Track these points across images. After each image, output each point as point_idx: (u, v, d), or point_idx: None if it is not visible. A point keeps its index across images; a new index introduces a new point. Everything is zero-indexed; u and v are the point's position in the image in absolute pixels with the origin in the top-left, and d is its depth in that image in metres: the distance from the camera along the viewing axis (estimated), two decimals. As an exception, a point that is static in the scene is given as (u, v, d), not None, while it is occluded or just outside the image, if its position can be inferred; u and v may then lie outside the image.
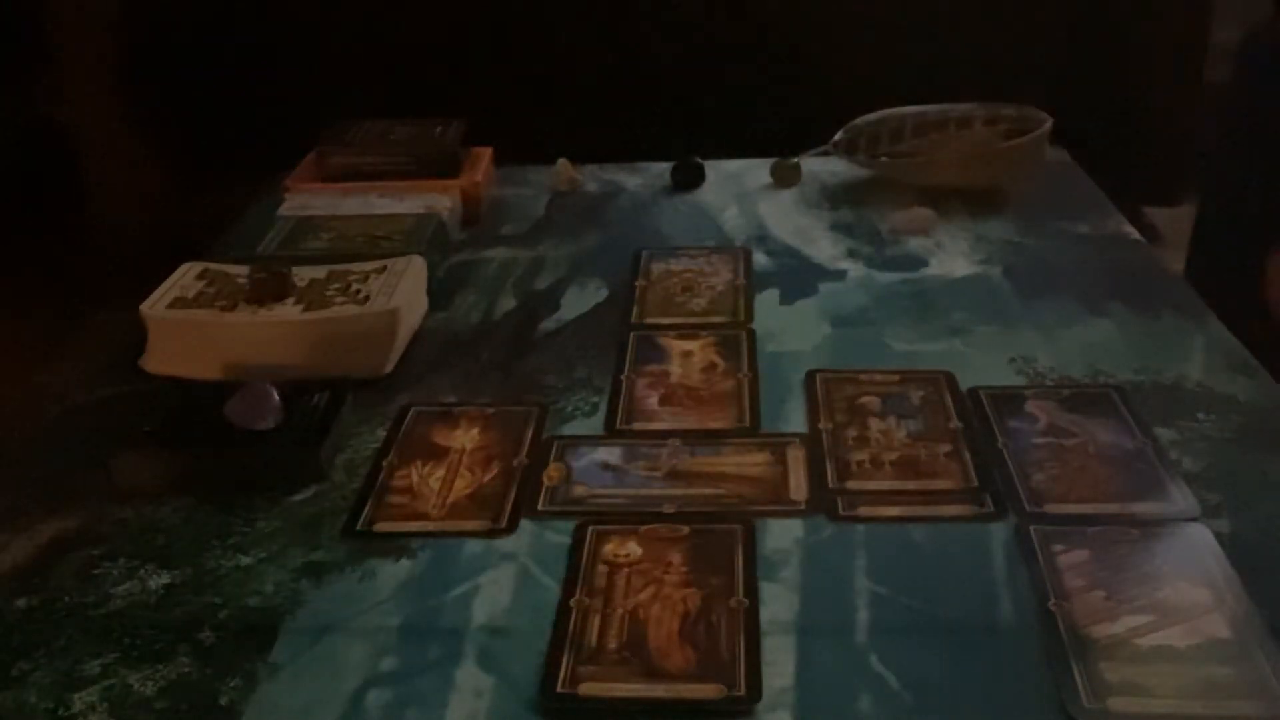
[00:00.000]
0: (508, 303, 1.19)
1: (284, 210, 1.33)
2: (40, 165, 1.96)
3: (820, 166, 1.50)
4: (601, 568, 0.78)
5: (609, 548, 0.80)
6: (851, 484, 0.87)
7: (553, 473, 0.89)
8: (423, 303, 1.16)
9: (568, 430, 0.95)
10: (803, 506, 0.84)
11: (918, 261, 1.25)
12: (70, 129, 2.02)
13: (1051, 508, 0.83)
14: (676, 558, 0.79)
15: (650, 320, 1.14)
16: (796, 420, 0.95)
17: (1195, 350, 1.05)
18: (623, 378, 1.03)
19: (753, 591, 0.75)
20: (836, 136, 1.46)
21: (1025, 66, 1.82)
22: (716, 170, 1.52)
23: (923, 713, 0.66)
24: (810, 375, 1.01)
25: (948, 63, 1.82)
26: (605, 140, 1.57)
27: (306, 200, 1.35)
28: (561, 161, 1.51)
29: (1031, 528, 0.81)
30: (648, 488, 0.87)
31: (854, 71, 1.83)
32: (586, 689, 0.68)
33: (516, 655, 0.71)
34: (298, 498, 0.88)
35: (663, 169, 1.52)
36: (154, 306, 1.07)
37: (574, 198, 1.48)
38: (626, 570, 0.78)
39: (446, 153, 1.41)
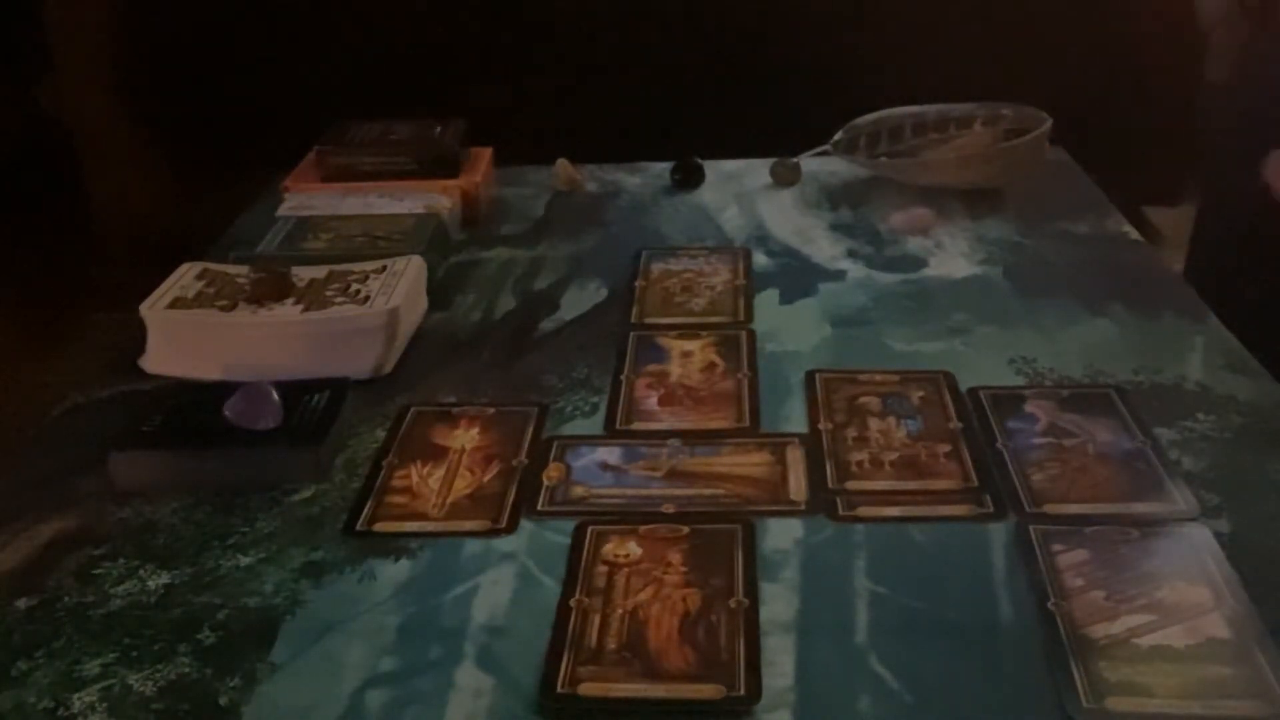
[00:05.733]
0: (508, 303, 1.19)
1: (284, 210, 1.33)
2: (40, 165, 1.96)
3: (820, 166, 1.50)
4: (601, 568, 0.78)
5: (609, 548, 0.80)
6: (851, 484, 0.87)
7: (552, 472, 0.89)
8: (423, 303, 1.16)
9: (567, 430, 0.95)
10: (802, 506, 0.84)
11: (918, 261, 1.25)
12: (70, 129, 2.02)
13: (1051, 508, 0.83)
14: (676, 558, 0.79)
15: (650, 320, 1.14)
16: (796, 420, 0.95)
17: (1195, 350, 1.05)
18: (622, 378, 1.03)
19: (753, 591, 0.75)
20: (836, 136, 1.46)
21: (1025, 66, 1.82)
22: (716, 170, 1.52)
23: (923, 713, 0.66)
24: (810, 375, 1.01)
25: (948, 63, 1.82)
26: (605, 140, 1.57)
27: (306, 200, 1.35)
28: (561, 161, 1.51)
29: (1031, 528, 0.81)
30: (647, 488, 0.87)
31: (854, 71, 1.83)
32: (586, 689, 0.68)
33: (516, 655, 0.71)
34: (298, 498, 0.88)
35: (663, 169, 1.52)
36: (154, 306, 1.07)
37: (574, 198, 1.48)
38: (626, 570, 0.78)
39: (446, 153, 1.41)
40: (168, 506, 0.87)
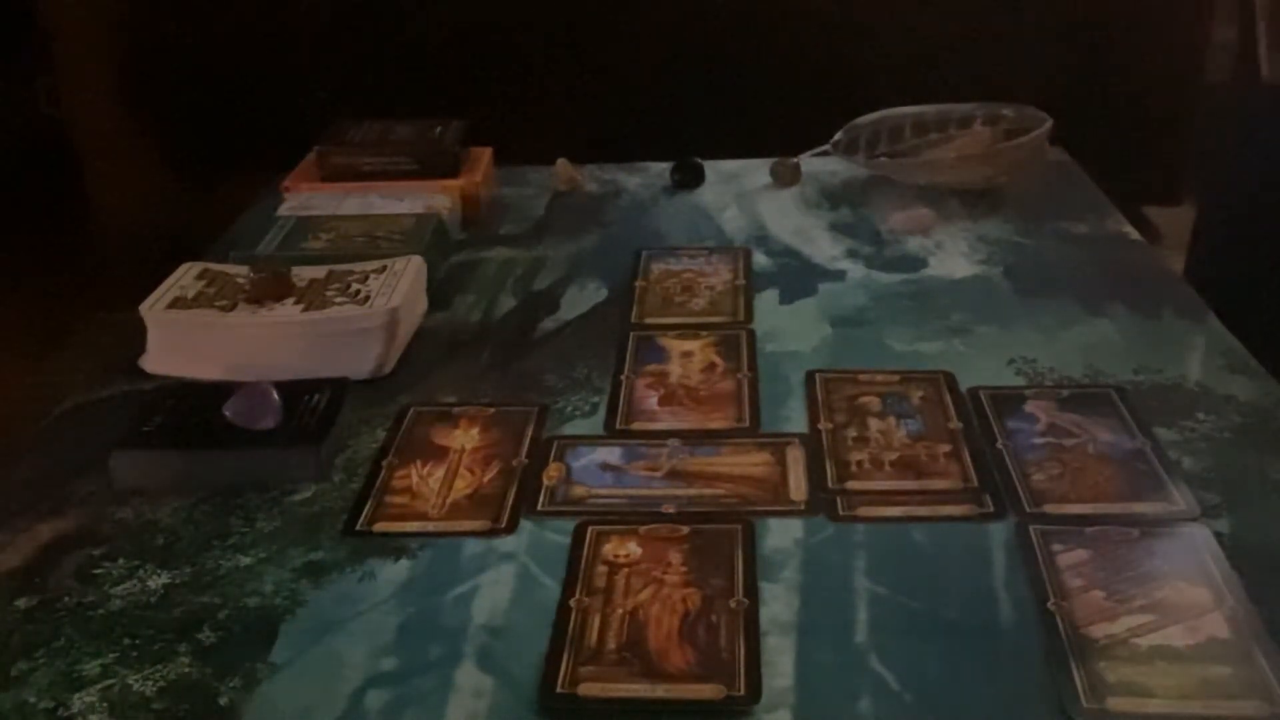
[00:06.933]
0: (508, 303, 1.19)
1: (284, 210, 1.33)
2: (40, 165, 1.96)
3: (820, 166, 1.50)
4: (601, 568, 0.78)
5: (609, 548, 0.80)
6: (851, 484, 0.87)
7: (552, 472, 0.89)
8: (423, 303, 1.16)
9: (568, 430, 0.95)
10: (802, 506, 0.84)
11: (918, 261, 1.25)
12: (70, 129, 2.02)
13: (1051, 508, 0.83)
14: (676, 558, 0.79)
15: (650, 320, 1.14)
16: (796, 420, 0.95)
17: (1195, 350, 1.05)
18: (622, 378, 1.03)
19: (753, 591, 0.75)
20: (836, 136, 1.46)
21: (1025, 66, 1.82)
22: (716, 170, 1.52)
23: (923, 713, 0.66)
24: (810, 375, 1.01)
25: (948, 63, 1.83)
26: (605, 140, 1.57)
27: (306, 200, 1.35)
28: (561, 161, 1.51)
29: (1031, 528, 0.81)
30: (647, 488, 0.87)
31: (854, 71, 1.83)
32: (586, 689, 0.68)
33: (516, 655, 0.71)
34: (298, 498, 0.88)
35: (663, 169, 1.52)
36: (154, 306, 1.07)
37: (574, 198, 1.48)
38: (626, 570, 0.78)
39: (446, 153, 1.41)
40: (168, 506, 0.88)
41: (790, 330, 1.11)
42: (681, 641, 0.71)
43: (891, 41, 1.88)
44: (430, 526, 0.84)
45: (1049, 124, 1.39)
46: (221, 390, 0.94)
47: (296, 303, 1.07)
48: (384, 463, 0.91)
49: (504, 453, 0.92)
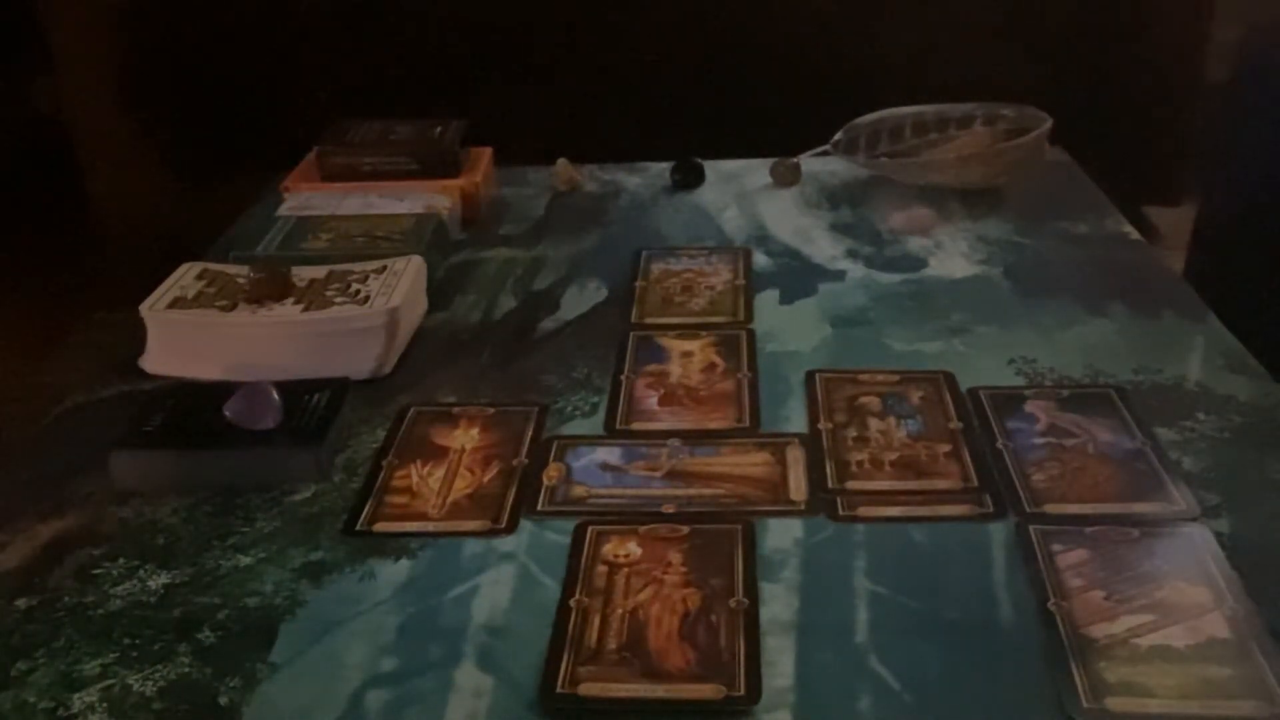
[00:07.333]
0: (508, 303, 1.19)
1: (284, 210, 1.33)
2: (40, 165, 1.96)
3: (820, 166, 1.50)
4: (601, 568, 0.78)
5: (608, 548, 0.80)
6: (851, 484, 0.87)
7: (552, 472, 0.89)
8: (423, 303, 1.16)
9: (567, 430, 0.95)
10: (802, 507, 0.84)
11: (918, 261, 1.25)
12: (70, 129, 2.02)
13: (1051, 508, 0.83)
14: (676, 558, 0.79)
15: (650, 320, 1.14)
16: (796, 420, 0.95)
17: (1195, 350, 1.05)
18: (622, 378, 1.03)
19: (753, 591, 0.75)
20: (836, 136, 1.46)
21: (1025, 66, 1.82)
22: (716, 170, 1.52)
23: (923, 713, 0.66)
24: (810, 375, 1.02)
25: (948, 63, 1.82)
26: (605, 140, 1.57)
27: (306, 200, 1.35)
28: (561, 161, 1.51)
29: (1031, 528, 0.81)
30: (647, 488, 0.87)
31: (854, 71, 1.83)
32: (586, 689, 0.68)
33: (516, 655, 0.71)
34: (298, 498, 0.88)
35: (663, 169, 1.52)
36: (154, 306, 1.07)
37: (574, 198, 1.48)
38: (626, 570, 0.78)
39: (446, 153, 1.41)
40: (168, 506, 0.88)
41: (790, 330, 1.11)
42: (681, 641, 0.71)
43: (891, 41, 1.88)
44: (430, 526, 0.84)
45: (1049, 124, 1.39)
46: (221, 390, 0.94)
47: (296, 303, 1.07)
48: (384, 463, 0.91)
49: (504, 453, 0.92)
